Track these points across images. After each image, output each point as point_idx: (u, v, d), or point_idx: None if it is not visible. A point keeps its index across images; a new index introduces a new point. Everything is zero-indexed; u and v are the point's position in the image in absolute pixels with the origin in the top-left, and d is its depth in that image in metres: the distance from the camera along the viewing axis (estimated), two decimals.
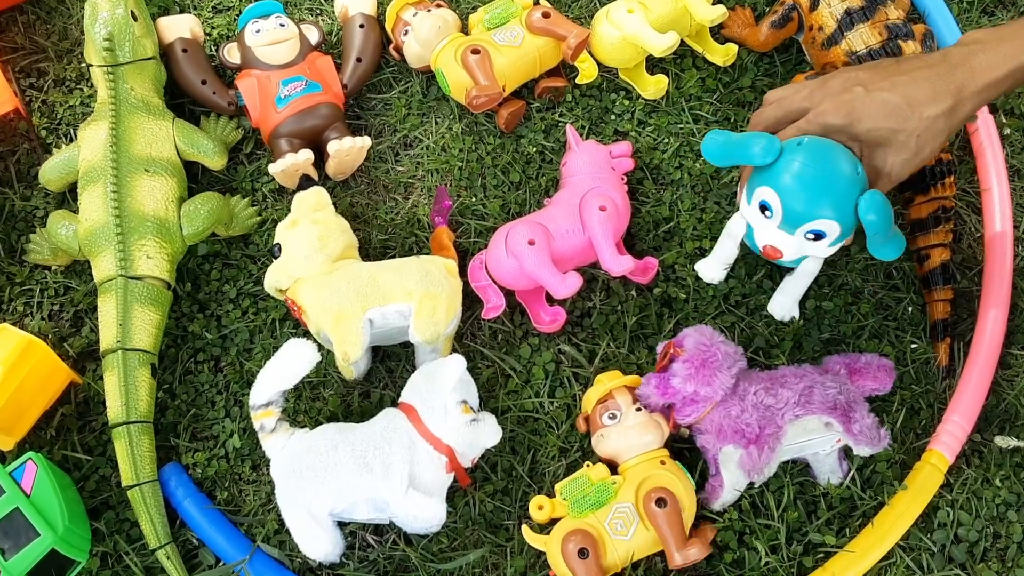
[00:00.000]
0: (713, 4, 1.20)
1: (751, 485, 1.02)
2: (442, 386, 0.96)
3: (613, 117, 1.21)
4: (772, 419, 0.97)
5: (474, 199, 1.17)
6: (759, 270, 1.13)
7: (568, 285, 1.02)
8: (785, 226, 0.97)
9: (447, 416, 0.96)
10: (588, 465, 0.99)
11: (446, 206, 1.12)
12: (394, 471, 0.93)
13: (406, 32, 1.19)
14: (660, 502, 0.93)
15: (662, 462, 0.99)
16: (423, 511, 0.93)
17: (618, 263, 1.04)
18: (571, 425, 1.05)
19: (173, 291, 1.08)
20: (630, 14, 1.17)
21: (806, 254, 1.00)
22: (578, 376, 1.08)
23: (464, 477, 0.99)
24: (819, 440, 1.00)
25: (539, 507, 0.98)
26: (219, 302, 1.11)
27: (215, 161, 1.14)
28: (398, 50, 1.22)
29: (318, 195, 1.07)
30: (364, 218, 1.16)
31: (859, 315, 1.12)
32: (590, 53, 1.22)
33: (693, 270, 1.12)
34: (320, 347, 1.02)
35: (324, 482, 0.93)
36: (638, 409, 1.00)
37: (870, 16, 1.17)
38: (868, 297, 1.13)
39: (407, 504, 0.93)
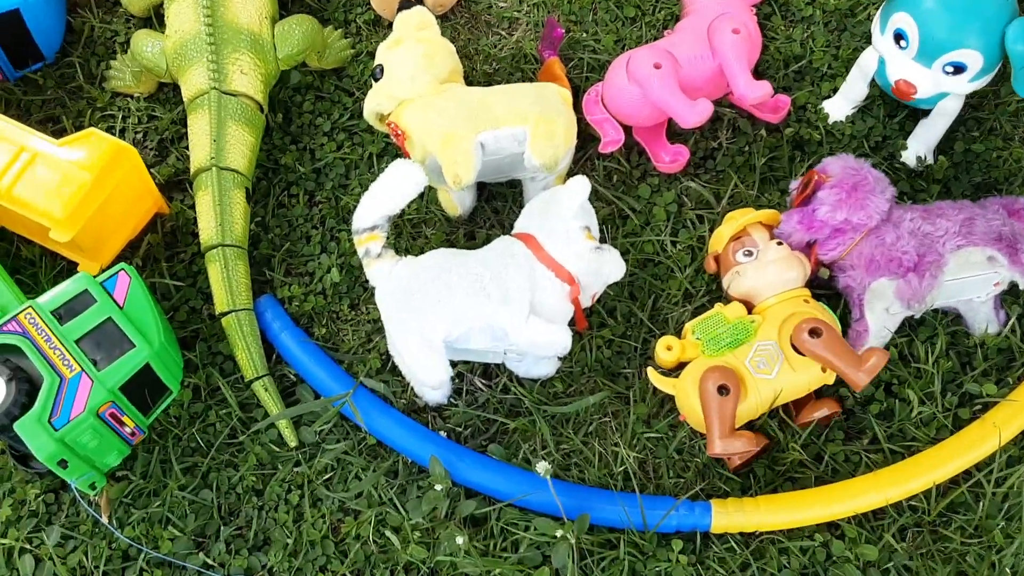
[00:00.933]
0: None
1: (906, 324, 0.92)
2: (564, 210, 0.87)
3: None
4: (932, 247, 0.87)
5: (585, 34, 1.07)
6: (900, 110, 1.02)
7: (699, 111, 0.93)
8: (922, 57, 0.87)
9: (570, 242, 0.87)
10: (720, 305, 0.90)
11: (557, 35, 1.03)
12: (514, 297, 0.85)
13: None
14: (814, 332, 0.84)
15: (805, 301, 0.89)
16: (547, 336, 0.84)
17: (754, 88, 0.94)
18: (696, 269, 0.96)
19: (265, 120, 0.99)
20: None
21: (942, 91, 0.89)
22: (703, 218, 0.98)
23: (582, 319, 0.90)
24: (979, 279, 0.89)
25: (667, 348, 0.88)
26: (312, 135, 1.02)
27: None
28: None
29: (422, 15, 0.98)
30: (465, 53, 1.06)
31: (1011, 160, 1.01)
32: None
33: (821, 110, 1.02)
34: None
35: (438, 303, 0.84)
36: (778, 244, 0.91)
37: None
38: (1020, 144, 1.02)
39: (529, 332, 0.84)
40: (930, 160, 1.00)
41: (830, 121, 1.02)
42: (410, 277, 0.86)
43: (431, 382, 0.85)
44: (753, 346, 0.87)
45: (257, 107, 0.97)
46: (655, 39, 1.05)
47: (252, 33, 0.97)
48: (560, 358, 0.91)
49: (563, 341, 0.85)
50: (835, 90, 1.04)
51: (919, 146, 1.00)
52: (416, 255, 0.95)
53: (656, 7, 1.08)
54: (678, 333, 0.92)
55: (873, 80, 0.99)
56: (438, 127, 0.91)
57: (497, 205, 0.99)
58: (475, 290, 0.85)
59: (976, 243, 0.88)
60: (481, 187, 1.00)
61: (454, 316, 0.84)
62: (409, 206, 0.97)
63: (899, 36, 0.88)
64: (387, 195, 0.88)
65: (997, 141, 1.02)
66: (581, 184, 0.87)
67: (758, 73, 1.04)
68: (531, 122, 0.91)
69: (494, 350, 0.88)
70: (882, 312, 0.90)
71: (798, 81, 1.05)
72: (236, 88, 0.95)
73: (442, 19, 1.08)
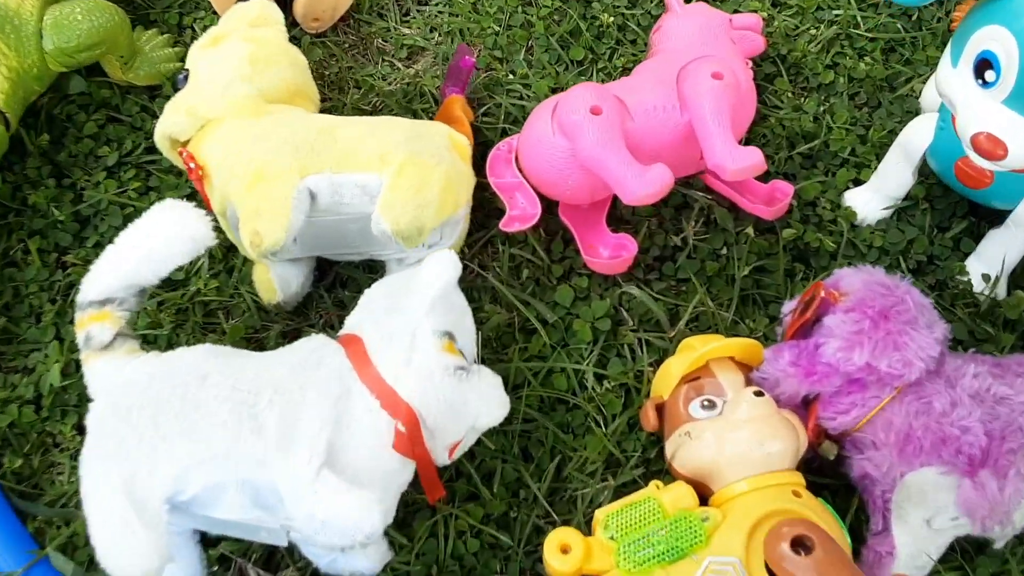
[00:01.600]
0: None
1: (955, 547, 0.57)
2: (414, 301, 0.53)
3: None
4: (1014, 423, 0.53)
5: (511, 76, 0.76)
6: (957, 221, 0.70)
7: (649, 181, 0.60)
8: (1019, 99, 0.55)
9: (415, 351, 0.53)
10: (658, 485, 0.55)
11: (466, 65, 0.71)
12: (302, 435, 0.50)
13: None
14: (800, 545, 0.48)
15: (795, 493, 0.54)
16: (337, 507, 0.49)
17: (736, 155, 0.62)
18: (630, 421, 0.61)
19: (11, 136, 0.67)
20: None
21: None
22: (648, 344, 0.64)
23: (435, 484, 0.55)
24: None
25: (562, 549, 0.53)
26: (88, 169, 0.70)
27: None
28: None
29: (265, 8, 0.67)
30: (336, 82, 0.75)
31: None
32: None
33: (843, 204, 0.70)
34: (223, 235, 0.61)
35: (170, 435, 0.50)
36: (757, 394, 0.56)
37: None
38: None
39: (314, 496, 0.49)
40: (1002, 292, 0.67)
41: (855, 222, 0.70)
42: (141, 385, 0.52)
43: (131, 571, 0.49)
44: (702, 564, 0.51)
45: None
46: None
47: (5, 8, 0.66)
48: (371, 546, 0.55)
49: (363, 519, 0.49)
50: (857, 181, 0.72)
51: (985, 268, 0.67)
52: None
53: (615, 52, 0.77)
54: (588, 524, 0.56)
55: (924, 167, 0.67)
56: (248, 157, 0.59)
57: (343, 296, 0.66)
58: (238, 417, 0.50)
59: None
60: (323, 266, 0.66)
61: (192, 459, 0.50)
62: (201, 277, 0.64)
63: (985, 63, 0.55)
64: (139, 250, 0.55)
65: None
66: (445, 263, 0.53)
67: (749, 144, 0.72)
68: (392, 166, 0.59)
69: (263, 524, 0.52)
70: (920, 524, 0.55)
71: (807, 168, 0.73)
72: None
73: (319, 39, 0.78)
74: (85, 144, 0.70)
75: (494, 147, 0.67)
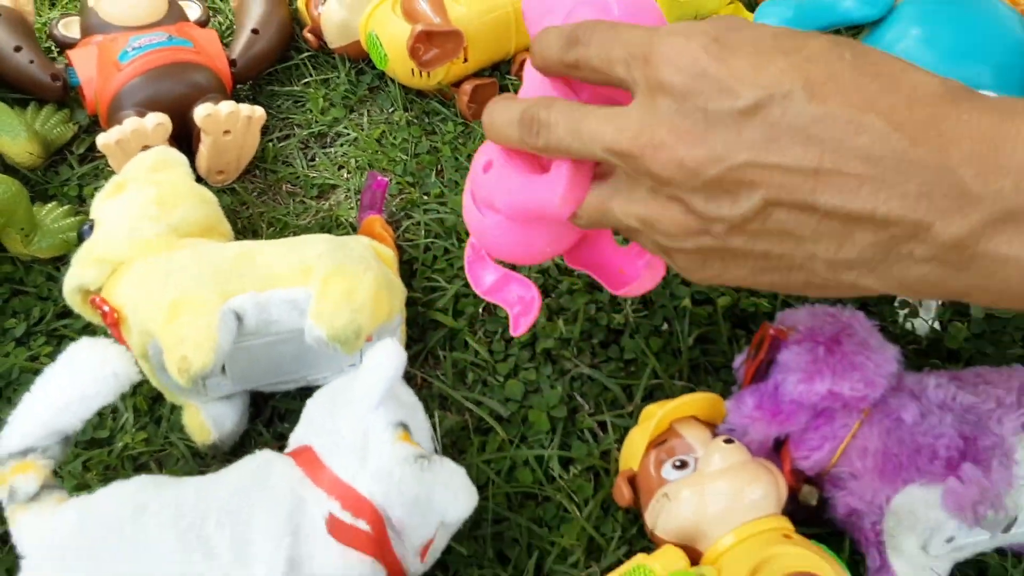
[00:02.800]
0: None
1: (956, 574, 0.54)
2: (361, 396, 0.50)
3: None
4: (983, 426, 0.52)
5: (426, 196, 0.76)
6: None
7: (553, 183, 0.49)
8: None
9: (369, 446, 0.49)
10: (644, 557, 0.52)
11: (379, 187, 0.71)
12: (259, 552, 0.46)
13: (324, 1, 0.85)
14: None
15: (786, 536, 0.51)
16: None
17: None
18: (605, 502, 0.58)
19: None
20: None
21: None
22: (609, 426, 0.62)
23: None
24: None
25: None
26: None
27: (18, 145, 0.74)
28: (315, 33, 0.87)
29: (165, 153, 0.67)
30: (252, 228, 0.74)
31: None
32: None
33: None
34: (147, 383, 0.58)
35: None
36: (727, 442, 0.54)
37: None
38: None
39: None
40: (925, 317, 0.67)
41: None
42: (72, 528, 0.47)
43: None
44: None
45: None
46: None
47: None
48: None
49: None
50: None
51: (923, 310, 0.68)
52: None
53: None
54: None
55: None
56: (165, 292, 0.57)
57: (284, 429, 0.62)
58: (185, 545, 0.46)
59: None
60: (258, 401, 0.63)
61: None
62: (127, 432, 0.60)
63: None
64: (58, 393, 0.51)
65: None
66: (388, 351, 0.51)
67: None
68: (318, 277, 0.58)
69: None
70: (916, 552, 0.53)
71: None
72: None
73: (228, 191, 0.77)
74: None
75: (464, 258, 0.63)
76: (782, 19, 0.64)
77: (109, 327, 0.59)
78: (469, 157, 0.79)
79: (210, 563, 0.45)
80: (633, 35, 0.42)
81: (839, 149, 0.37)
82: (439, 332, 0.67)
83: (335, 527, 0.47)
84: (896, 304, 0.68)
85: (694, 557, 0.52)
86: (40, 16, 0.92)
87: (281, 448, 0.58)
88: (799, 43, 0.39)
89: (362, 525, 0.47)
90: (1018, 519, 0.52)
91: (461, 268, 0.70)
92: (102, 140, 0.70)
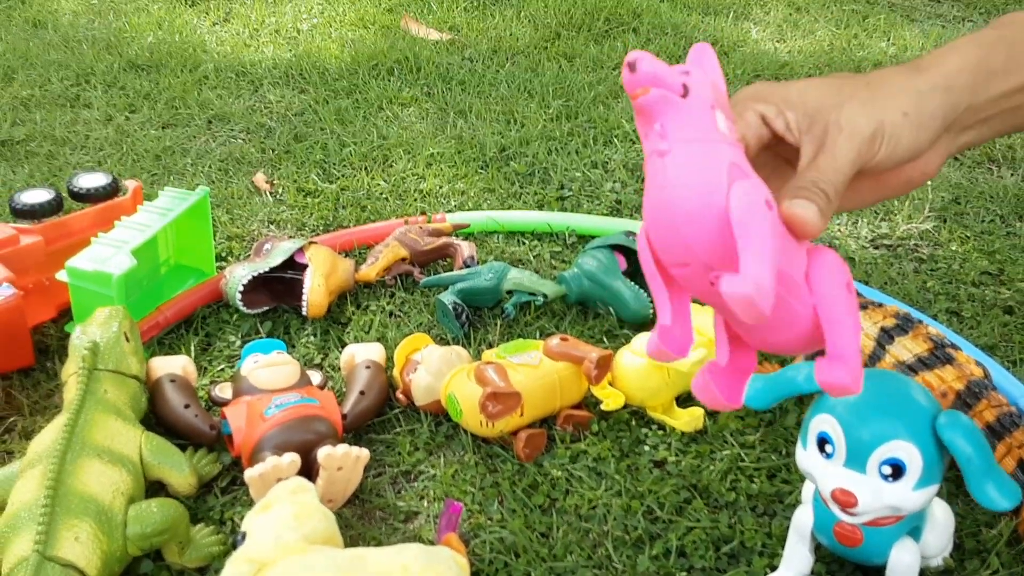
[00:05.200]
0: None
1: None
2: None
3: (647, 448, 1.06)
4: None
5: (490, 521, 0.96)
6: None
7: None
8: (853, 462, 0.79)
9: None
10: None
11: (455, 511, 0.92)
12: None
13: (415, 370, 1.11)
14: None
15: None
16: None
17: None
18: None
19: None
20: None
21: (888, 503, 0.78)
22: None
23: None
24: None
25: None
26: None
27: (183, 479, 0.96)
28: (406, 394, 1.12)
29: (300, 482, 0.89)
30: (355, 545, 0.94)
31: None
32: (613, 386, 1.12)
33: None
34: None
35: None
36: None
37: (908, 331, 1.10)
38: None
39: None
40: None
41: None
42: None
43: None
44: None
45: None
46: (568, 527, 0.94)
47: (100, 504, 0.86)
48: None
49: None
50: (772, 568, 0.91)
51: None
52: None
53: (566, 495, 0.99)
54: None
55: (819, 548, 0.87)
56: None
57: None
58: None
59: None
60: None
61: None
62: None
63: (823, 441, 0.80)
64: None
65: None
66: None
67: (685, 556, 0.91)
68: (414, 574, 0.77)
69: None
70: None
71: (732, 564, 0.92)
72: (65, 555, 0.81)
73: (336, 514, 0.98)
74: None
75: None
76: (753, 388, 0.87)
77: None
78: (525, 491, 1.00)
79: None
80: None
81: None
82: None
83: None
84: None
85: None
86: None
87: None
88: None
89: None
90: None
91: None
92: (249, 473, 0.93)
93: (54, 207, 1.25)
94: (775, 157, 0.59)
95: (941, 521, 0.87)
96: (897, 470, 0.78)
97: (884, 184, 0.59)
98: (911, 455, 0.77)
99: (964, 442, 0.77)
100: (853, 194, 0.57)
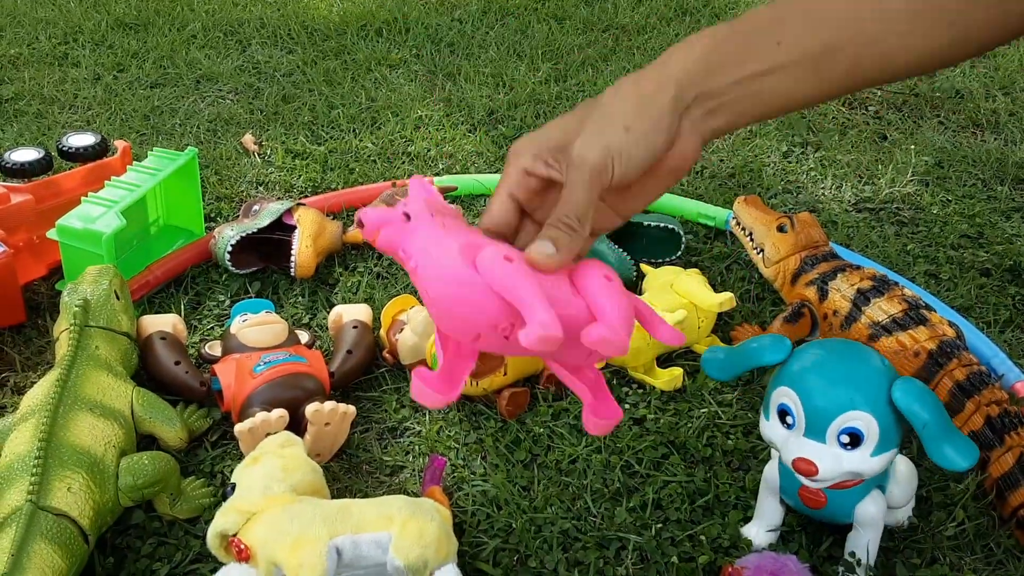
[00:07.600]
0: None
1: None
2: None
3: (627, 406, 1.09)
4: None
5: (473, 475, 0.99)
6: (825, 535, 0.91)
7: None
8: (812, 432, 0.81)
9: None
10: None
11: (439, 465, 0.94)
12: None
13: (401, 330, 1.13)
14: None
15: None
16: None
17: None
18: None
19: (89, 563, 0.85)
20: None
21: (848, 469, 0.81)
22: None
23: None
24: None
25: None
26: None
27: (173, 433, 0.99)
28: (392, 353, 1.14)
29: (288, 436, 0.91)
30: (342, 497, 0.97)
31: None
32: None
33: (741, 536, 0.91)
34: None
35: None
36: None
37: (884, 292, 1.12)
38: (971, 572, 0.90)
39: None
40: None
41: (753, 547, 0.90)
42: None
43: None
44: None
45: (79, 533, 0.83)
46: (549, 481, 0.97)
47: (92, 456, 0.88)
48: None
49: None
50: (747, 519, 0.94)
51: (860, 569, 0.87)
52: None
53: (547, 450, 1.02)
54: None
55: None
56: (287, 531, 0.79)
57: None
58: None
59: None
60: None
61: None
62: None
63: (784, 412, 0.82)
64: None
65: (944, 569, 0.90)
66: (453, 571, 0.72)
67: (663, 507, 0.94)
68: (397, 523, 0.80)
69: None
70: None
71: (707, 516, 0.95)
72: (58, 504, 0.83)
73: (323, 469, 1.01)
74: (142, 563, 0.88)
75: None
76: (716, 359, 0.89)
77: (242, 562, 0.80)
78: (507, 447, 1.02)
79: None
80: None
81: None
82: None
83: None
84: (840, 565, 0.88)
85: None
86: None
87: None
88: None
89: None
90: None
91: (502, 529, 0.92)
92: (239, 428, 0.95)
93: (44, 166, 1.27)
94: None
95: (904, 473, 0.90)
96: (855, 438, 0.80)
97: (650, 181, 0.60)
98: (868, 424, 0.79)
99: (919, 408, 0.79)
100: (624, 201, 0.61)
